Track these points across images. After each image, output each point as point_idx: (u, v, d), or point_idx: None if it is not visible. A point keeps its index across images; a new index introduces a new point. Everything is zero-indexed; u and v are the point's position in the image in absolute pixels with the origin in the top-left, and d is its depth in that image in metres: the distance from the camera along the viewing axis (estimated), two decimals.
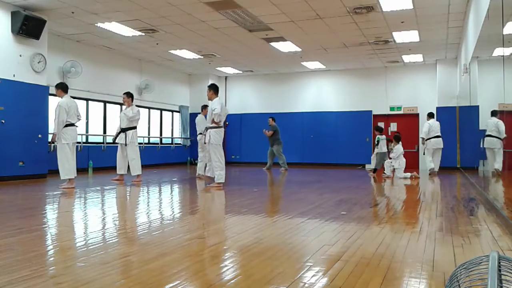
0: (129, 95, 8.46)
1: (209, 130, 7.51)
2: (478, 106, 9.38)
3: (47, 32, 9.23)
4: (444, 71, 13.31)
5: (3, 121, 8.32)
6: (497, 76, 6.21)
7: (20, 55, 8.68)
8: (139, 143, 8.83)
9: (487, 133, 8.68)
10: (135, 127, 8.39)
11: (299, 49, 11.84)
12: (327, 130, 14.90)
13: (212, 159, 7.52)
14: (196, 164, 11.48)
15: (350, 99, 14.83)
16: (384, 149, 10.81)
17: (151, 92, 13.74)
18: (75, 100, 7.86)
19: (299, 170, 12.72)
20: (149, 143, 14.25)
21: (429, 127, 11.32)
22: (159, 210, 5.37)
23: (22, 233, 3.63)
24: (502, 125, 8.29)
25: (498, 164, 8.58)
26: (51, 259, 2.92)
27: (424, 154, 11.64)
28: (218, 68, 14.84)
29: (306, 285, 2.28)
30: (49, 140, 8.93)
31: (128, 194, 6.86)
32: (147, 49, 11.94)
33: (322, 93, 15.25)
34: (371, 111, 14.56)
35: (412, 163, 12.36)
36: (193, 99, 15.93)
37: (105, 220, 4.58)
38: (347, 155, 14.54)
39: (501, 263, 1.33)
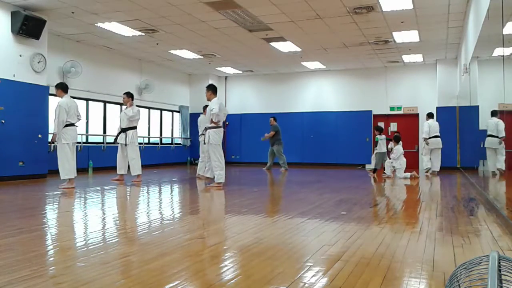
0: (129, 95, 8.47)
1: (208, 131, 7.54)
2: (478, 106, 9.38)
3: (47, 32, 9.23)
4: (444, 71, 13.31)
5: (3, 121, 8.32)
6: (497, 76, 6.21)
7: (20, 55, 8.68)
8: (139, 143, 8.83)
9: (488, 133, 8.69)
10: (135, 127, 8.39)
11: (299, 49, 11.84)
12: (327, 130, 14.90)
13: (211, 159, 7.53)
14: (196, 164, 11.49)
15: (350, 99, 14.83)
16: (384, 149, 10.82)
17: (151, 92, 13.74)
18: (75, 100, 7.86)
19: (299, 170, 12.72)
20: (149, 143, 14.25)
21: (428, 127, 11.37)
22: (159, 210, 5.37)
23: (22, 233, 3.63)
24: (502, 125, 8.31)
25: (501, 164, 8.60)
26: (51, 259, 2.92)
27: (422, 154, 11.68)
28: (218, 68, 14.84)
29: (306, 285, 2.28)
30: (49, 140, 8.94)
31: (128, 194, 6.86)
32: (147, 49, 11.94)
33: (322, 93, 15.25)
34: (371, 111, 14.56)
35: (412, 163, 12.37)
36: (193, 99, 15.93)
37: (105, 220, 4.58)
38: (347, 155, 14.54)
39: (501, 263, 1.33)
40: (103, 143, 12.17)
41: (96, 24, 9.54)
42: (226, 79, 16.55)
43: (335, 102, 15.05)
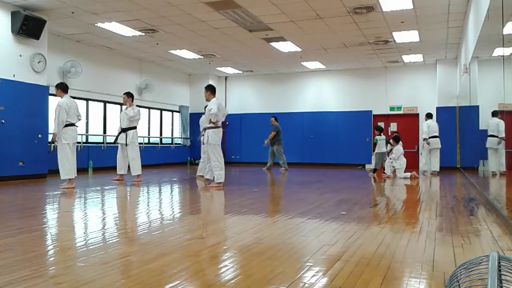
0: (129, 95, 8.47)
1: (207, 131, 7.55)
2: (478, 106, 9.39)
3: (47, 32, 9.23)
4: (444, 71, 13.31)
5: (3, 121, 8.32)
6: (497, 76, 6.21)
7: (20, 55, 8.68)
8: (139, 143, 8.83)
9: (489, 133, 8.71)
10: (135, 127, 8.39)
11: (299, 49, 11.84)
12: (327, 130, 14.90)
13: (211, 159, 7.53)
14: (196, 164, 11.51)
15: (350, 99, 14.83)
16: (383, 149, 10.82)
17: (151, 92, 13.74)
18: (75, 100, 7.86)
19: (299, 170, 12.72)
20: (149, 143, 14.25)
21: (427, 127, 11.41)
22: (159, 210, 5.37)
23: (22, 233, 3.63)
24: (502, 125, 8.33)
25: (502, 166, 8.64)
26: (51, 259, 2.92)
27: (421, 154, 11.72)
28: (218, 68, 14.84)
29: (306, 285, 2.28)
30: (49, 140, 8.94)
31: (128, 194, 6.86)
32: (147, 49, 11.94)
33: (322, 93, 15.25)
34: (371, 111, 14.56)
35: (412, 163, 12.37)
36: (193, 99, 15.93)
37: (105, 220, 4.58)
38: (347, 155, 14.54)
39: (501, 263, 1.33)
40: (103, 143, 12.17)
41: (96, 24, 9.54)
42: (226, 79, 16.56)
43: (335, 102, 15.05)
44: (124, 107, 8.83)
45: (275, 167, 12.83)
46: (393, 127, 14.34)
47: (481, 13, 6.13)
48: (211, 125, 7.49)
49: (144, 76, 13.64)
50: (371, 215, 4.76)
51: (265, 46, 11.44)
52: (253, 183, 8.74)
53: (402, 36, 10.42)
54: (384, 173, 10.44)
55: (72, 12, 8.74)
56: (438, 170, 11.28)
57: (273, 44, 11.25)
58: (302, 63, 13.81)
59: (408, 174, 9.91)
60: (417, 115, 14.06)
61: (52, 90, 8.34)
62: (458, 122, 12.90)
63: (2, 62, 8.36)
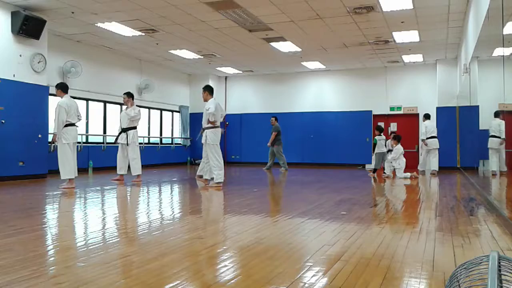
0: (129, 95, 8.47)
1: (206, 131, 7.56)
2: (478, 106, 9.38)
3: (47, 32, 9.24)
4: (444, 71, 13.31)
5: (3, 121, 8.32)
6: (497, 76, 6.21)
7: (20, 55, 8.68)
8: (139, 143, 8.84)
9: (491, 133, 8.71)
10: (135, 127, 8.40)
11: (299, 49, 11.84)
12: (327, 130, 14.90)
13: (210, 159, 7.55)
14: (196, 164, 11.51)
15: (350, 99, 14.84)
16: (383, 149, 10.82)
17: (151, 92, 13.74)
18: (75, 100, 7.86)
19: (299, 170, 12.72)
20: (149, 143, 14.25)
21: (425, 128, 11.44)
22: (159, 210, 5.37)
23: (22, 233, 3.63)
24: (503, 125, 8.33)
25: (503, 166, 8.64)
26: (51, 259, 2.92)
27: (421, 154, 11.75)
28: (218, 68, 14.84)
29: (306, 285, 2.28)
30: (49, 140, 8.94)
31: (128, 194, 6.86)
32: (147, 49, 11.94)
33: (322, 93, 15.25)
34: (371, 111, 14.56)
35: (412, 163, 12.37)
36: (193, 99, 15.93)
37: (105, 220, 4.58)
38: (347, 155, 14.54)
39: (501, 263, 1.33)
40: (103, 143, 12.18)
41: (96, 24, 9.54)
42: (226, 79, 16.55)
43: (335, 102, 15.06)
44: (124, 107, 8.83)
45: (275, 167, 12.83)
46: (393, 127, 14.35)
47: (481, 13, 6.13)
48: (210, 125, 7.52)
49: (144, 76, 13.64)
50: (371, 215, 4.76)
51: (265, 46, 11.44)
52: (253, 183, 8.74)
53: (402, 36, 10.42)
54: (384, 173, 10.43)
55: (72, 12, 8.74)
56: (437, 169, 11.29)
57: (273, 44, 11.25)
58: (302, 63, 13.81)
59: (408, 174, 9.91)
60: (417, 115, 14.06)
61: (52, 90, 8.34)
62: (458, 122, 12.90)
63: (2, 62, 8.37)
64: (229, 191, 7.07)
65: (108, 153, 11.47)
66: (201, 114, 7.83)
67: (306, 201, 5.84)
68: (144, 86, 13.46)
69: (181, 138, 15.74)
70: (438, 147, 11.41)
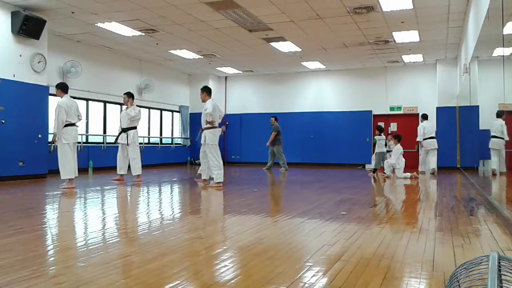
0: (129, 95, 8.47)
1: (204, 131, 7.58)
2: (478, 106, 9.38)
3: (47, 32, 9.24)
4: (444, 71, 13.31)
5: (3, 121, 8.32)
6: (497, 76, 6.21)
7: (20, 55, 8.68)
8: (139, 143, 8.85)
9: (492, 134, 8.71)
10: (135, 127, 8.40)
11: (299, 49, 11.84)
12: (327, 130, 14.90)
13: (209, 159, 7.56)
14: (196, 164, 11.51)
15: (350, 99, 14.84)
16: (383, 149, 10.82)
17: (151, 92, 13.74)
18: (75, 100, 7.86)
19: (299, 170, 12.72)
20: (149, 143, 14.25)
21: (423, 129, 11.44)
22: (159, 210, 5.37)
23: (22, 233, 3.63)
24: (505, 127, 8.34)
25: (503, 166, 8.65)
26: (51, 259, 2.92)
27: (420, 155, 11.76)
28: (218, 68, 14.84)
29: (306, 285, 2.28)
30: (50, 140, 8.94)
31: (128, 194, 6.86)
32: (147, 49, 11.94)
33: (322, 93, 15.26)
34: (371, 111, 14.56)
35: (412, 163, 12.37)
36: (193, 99, 15.92)
37: (105, 220, 4.58)
38: (347, 155, 14.54)
39: (501, 263, 1.33)
40: (103, 143, 12.18)
41: (96, 24, 9.54)
42: (226, 79, 16.55)
43: (335, 102, 15.06)
44: (124, 107, 8.83)
45: (275, 167, 12.83)
46: (393, 127, 14.35)
47: (481, 13, 6.13)
48: (208, 125, 7.54)
49: (144, 76, 13.64)
50: (371, 215, 4.76)
51: (265, 46, 11.44)
52: (253, 183, 8.74)
53: (402, 36, 10.42)
54: (384, 173, 10.43)
55: (72, 12, 8.74)
56: (436, 168, 11.32)
57: (273, 44, 11.25)
58: (302, 63, 13.81)
59: (408, 174, 9.91)
60: (417, 115, 14.04)
61: (52, 90, 8.34)
62: (458, 122, 12.90)
63: (2, 62, 8.37)
64: (229, 191, 7.07)
65: (108, 153, 11.47)
66: (201, 114, 7.85)
67: (306, 201, 5.84)
68: (144, 86, 13.46)
69: (181, 138, 15.74)
70: (436, 147, 11.42)
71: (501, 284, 1.28)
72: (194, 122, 15.08)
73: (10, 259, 2.77)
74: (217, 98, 15.83)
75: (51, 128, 7.69)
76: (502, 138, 8.48)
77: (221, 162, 7.65)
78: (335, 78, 15.09)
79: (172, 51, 12.20)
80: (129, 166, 8.35)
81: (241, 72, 15.53)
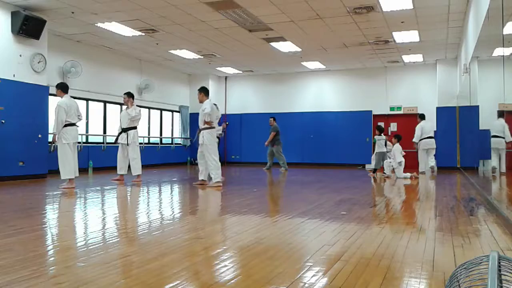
0: (129, 95, 8.47)
1: (202, 132, 7.59)
2: (478, 106, 9.37)
3: (47, 32, 9.23)
4: (444, 71, 13.32)
5: (3, 121, 8.32)
6: (497, 76, 6.20)
7: (20, 55, 8.68)
8: (139, 143, 8.85)
9: (493, 133, 8.71)
10: (136, 127, 8.41)
11: (299, 49, 11.84)
12: (327, 130, 14.90)
13: (207, 159, 7.58)
14: (196, 164, 11.47)
15: (350, 99, 14.84)
16: (383, 149, 10.81)
17: (151, 92, 13.74)
18: (75, 100, 7.86)
19: (299, 170, 12.72)
20: (149, 143, 14.25)
21: (421, 129, 11.43)
22: (159, 210, 5.37)
23: (22, 233, 3.63)
24: (507, 128, 8.35)
25: (503, 166, 8.65)
26: (51, 259, 2.92)
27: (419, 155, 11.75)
28: (218, 68, 14.84)
29: (306, 285, 2.28)
30: (50, 140, 8.94)
31: (128, 194, 6.86)
32: (147, 49, 11.94)
33: (322, 93, 15.26)
34: (371, 111, 14.56)
35: (412, 163, 12.37)
36: (193, 99, 15.89)
37: (105, 220, 4.58)
38: (347, 155, 14.54)
39: (501, 263, 1.33)
40: (103, 143, 12.18)
41: (96, 24, 9.54)
42: (226, 79, 16.55)
43: (335, 102, 15.06)
44: (124, 107, 8.83)
45: (275, 167, 12.83)
46: (393, 127, 14.35)
47: (481, 13, 6.13)
48: (206, 125, 7.56)
49: (144, 76, 13.64)
50: (371, 215, 4.76)
51: (265, 46, 11.44)
52: (253, 183, 8.74)
53: (402, 36, 10.42)
54: (384, 173, 10.43)
55: (72, 12, 8.74)
56: (435, 167, 11.36)
57: (273, 44, 11.25)
58: (302, 63, 13.81)
59: (408, 174, 9.90)
60: (417, 115, 14.05)
61: (52, 90, 8.34)
62: (458, 122, 12.90)
63: (2, 62, 8.37)
64: (229, 191, 7.07)
65: (108, 153, 11.47)
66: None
67: (306, 201, 5.84)
68: (144, 86, 13.46)
69: (181, 138, 15.74)
70: (435, 147, 11.44)
71: (501, 284, 1.28)
72: (194, 122, 15.05)
73: (10, 259, 2.77)
74: (217, 98, 15.85)
75: (51, 128, 7.69)
76: (503, 138, 8.48)
77: (219, 162, 7.68)
78: (335, 78, 15.09)
79: (172, 51, 12.20)
80: (129, 166, 8.36)
81: (241, 72, 15.53)
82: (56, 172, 7.53)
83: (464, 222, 4.18)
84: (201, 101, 7.77)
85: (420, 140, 11.47)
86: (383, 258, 2.82)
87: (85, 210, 5.30)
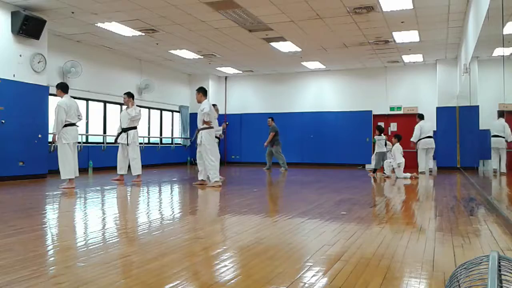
0: (130, 95, 8.47)
1: (201, 132, 7.59)
2: (478, 106, 9.38)
3: (47, 32, 9.23)
4: (444, 71, 13.32)
5: (3, 121, 8.32)
6: (497, 76, 6.21)
7: (20, 55, 8.68)
8: (139, 143, 8.85)
9: (493, 133, 8.72)
10: (136, 127, 8.41)
11: (299, 49, 11.84)
12: (327, 130, 14.90)
13: (205, 159, 7.59)
14: (196, 164, 11.47)
15: (350, 99, 14.84)
16: (383, 149, 10.81)
17: (151, 92, 13.74)
18: (75, 100, 7.85)
19: (299, 170, 12.72)
20: (149, 143, 14.25)
21: (420, 129, 11.43)
22: (159, 210, 5.37)
23: (22, 233, 3.63)
24: (508, 128, 8.36)
25: (503, 167, 8.66)
26: (51, 259, 2.92)
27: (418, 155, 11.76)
28: (218, 68, 14.84)
29: (306, 285, 2.28)
30: (50, 140, 8.94)
31: (128, 194, 6.86)
32: (147, 49, 11.94)
33: (322, 93, 15.26)
34: (371, 111, 14.56)
35: (412, 163, 12.37)
36: (193, 99, 15.78)
37: (105, 220, 4.58)
38: (347, 155, 14.54)
39: (501, 263, 1.33)
40: (103, 143, 12.18)
41: (96, 24, 9.54)
42: (226, 79, 16.55)
43: (335, 102, 15.06)
44: (124, 107, 8.83)
45: (275, 167, 12.83)
46: (393, 127, 14.35)
47: (481, 13, 6.13)
48: (205, 125, 7.56)
49: (144, 76, 13.64)
50: (371, 215, 4.76)
51: (265, 46, 11.44)
52: (253, 183, 8.75)
53: (402, 36, 10.42)
54: (384, 173, 10.43)
55: (72, 12, 8.74)
56: (432, 168, 11.37)
57: (273, 44, 11.25)
58: (302, 63, 13.81)
59: (408, 175, 9.90)
60: (416, 115, 14.05)
61: (52, 90, 8.34)
62: (458, 122, 12.90)
63: (2, 62, 8.37)
64: (229, 191, 7.07)
65: (108, 153, 11.47)
66: None
67: (306, 201, 5.84)
68: (144, 86, 13.46)
69: (181, 138, 15.74)
70: (433, 146, 11.45)
71: (501, 284, 1.28)
72: (194, 122, 14.96)
73: (10, 259, 2.77)
74: (217, 98, 15.85)
75: (51, 128, 7.69)
76: (503, 137, 8.49)
77: (217, 162, 7.68)
78: (335, 78, 15.09)
79: (172, 51, 12.20)
80: (129, 166, 8.36)
81: (241, 72, 15.53)
82: (56, 172, 7.53)
83: (464, 222, 4.18)
84: (199, 101, 7.78)
85: (420, 139, 11.47)
86: (383, 258, 2.82)
87: (85, 210, 5.30)
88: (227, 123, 14.05)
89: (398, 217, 4.63)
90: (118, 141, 8.39)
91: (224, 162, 15.03)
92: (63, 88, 7.27)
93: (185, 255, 2.92)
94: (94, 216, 4.87)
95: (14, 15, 8.41)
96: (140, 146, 8.73)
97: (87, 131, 11.66)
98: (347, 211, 4.84)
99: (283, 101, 15.65)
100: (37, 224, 4.22)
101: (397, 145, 10.26)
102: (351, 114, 14.71)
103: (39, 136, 9.04)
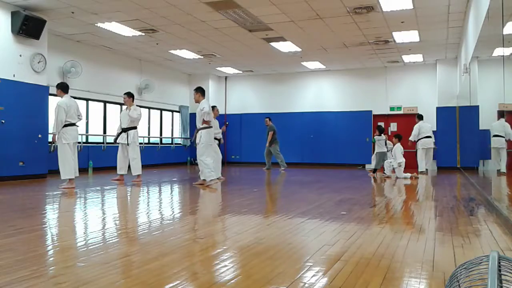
0: (130, 95, 8.47)
1: (200, 131, 7.60)
2: (478, 106, 9.38)
3: (47, 32, 9.23)
4: (444, 71, 13.32)
5: (3, 121, 8.32)
6: (497, 76, 6.21)
7: (20, 55, 8.68)
8: (139, 143, 8.85)
9: (494, 133, 8.73)
10: (136, 127, 8.40)
11: (299, 49, 11.84)
12: (327, 130, 14.90)
13: (199, 157, 7.60)
14: (196, 164, 11.47)
15: (350, 99, 14.84)
16: (384, 149, 10.82)
17: (151, 92, 13.74)
18: (75, 100, 7.85)
19: (299, 170, 12.72)
20: (149, 143, 14.25)
21: (419, 129, 11.47)
22: (159, 210, 5.37)
23: (22, 233, 3.63)
24: (509, 127, 8.38)
25: (503, 167, 8.67)
26: (51, 259, 2.92)
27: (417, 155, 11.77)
28: (218, 68, 14.84)
29: (306, 285, 2.28)
30: (50, 140, 8.94)
31: (128, 194, 6.86)
32: (147, 49, 11.94)
33: (322, 93, 15.25)
34: (371, 111, 14.56)
35: (413, 163, 12.37)
36: (193, 99, 15.87)
37: (105, 220, 4.58)
38: (347, 155, 14.54)
39: (501, 263, 1.33)
40: (103, 143, 12.17)
41: (96, 24, 9.54)
42: (226, 79, 16.55)
43: (335, 102, 15.06)
44: (124, 107, 8.83)
45: (275, 167, 12.83)
46: (393, 127, 14.35)
47: (481, 13, 6.13)
48: (205, 125, 7.57)
49: (144, 76, 13.64)
50: (371, 215, 4.76)
51: (265, 46, 11.44)
52: (253, 183, 8.75)
53: (402, 36, 10.42)
54: (384, 173, 10.43)
55: (72, 12, 8.74)
56: (428, 168, 11.42)
57: (273, 44, 11.25)
58: (302, 63, 13.81)
59: (408, 175, 9.90)
60: (416, 115, 14.04)
61: (52, 90, 8.33)
62: (458, 122, 12.90)
63: (2, 62, 8.37)
64: (229, 191, 7.07)
65: (108, 153, 11.47)
66: None
67: (306, 201, 5.84)
68: (144, 86, 13.46)
69: (181, 138, 15.73)
70: (432, 146, 11.48)
71: (501, 284, 1.28)
72: (194, 122, 15.00)
73: (10, 259, 2.77)
74: (217, 98, 15.85)
75: (51, 128, 7.69)
76: (503, 137, 8.50)
77: (215, 162, 7.70)
78: (335, 78, 15.09)
79: (172, 51, 12.20)
80: (129, 166, 8.35)
81: (241, 72, 15.53)
82: (56, 172, 7.53)
83: (464, 222, 4.18)
84: (197, 101, 7.81)
85: (419, 139, 11.49)
86: (383, 258, 2.82)
87: (85, 210, 5.30)
88: (227, 123, 14.06)
89: (398, 217, 4.63)
90: (118, 141, 8.39)
91: (224, 162, 15.03)
92: (63, 88, 7.27)
93: (185, 255, 2.92)
94: (94, 216, 4.87)
95: (14, 15, 8.41)
96: (140, 146, 8.73)
97: (87, 131, 11.66)
98: (347, 211, 4.84)
99: (283, 101, 15.65)
100: (37, 224, 4.22)
101: (398, 145, 10.26)
102: (351, 114, 14.71)
103: (39, 136, 9.04)
